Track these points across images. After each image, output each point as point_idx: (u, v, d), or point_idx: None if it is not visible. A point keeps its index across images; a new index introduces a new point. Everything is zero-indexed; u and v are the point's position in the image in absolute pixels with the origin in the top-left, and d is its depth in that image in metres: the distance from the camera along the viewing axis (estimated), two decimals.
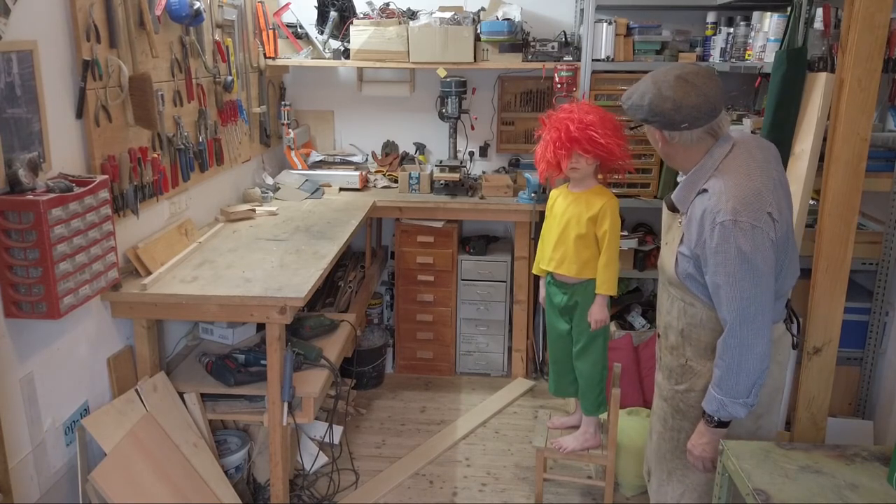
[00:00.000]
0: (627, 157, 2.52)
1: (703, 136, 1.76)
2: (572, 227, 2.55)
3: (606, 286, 2.56)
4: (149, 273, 2.36)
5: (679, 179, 1.96)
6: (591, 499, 2.83)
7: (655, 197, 3.39)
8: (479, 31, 3.50)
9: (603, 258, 2.54)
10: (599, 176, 2.62)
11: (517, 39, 3.53)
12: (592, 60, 3.28)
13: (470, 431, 3.28)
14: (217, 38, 3.01)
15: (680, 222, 1.82)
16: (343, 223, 3.09)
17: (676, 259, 1.80)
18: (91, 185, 1.96)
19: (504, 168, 4.02)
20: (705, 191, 1.72)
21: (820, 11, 2.39)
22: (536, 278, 2.88)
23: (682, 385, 1.90)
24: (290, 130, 3.75)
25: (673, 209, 1.89)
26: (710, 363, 1.81)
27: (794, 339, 1.93)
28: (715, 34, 3.31)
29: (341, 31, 3.64)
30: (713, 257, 1.67)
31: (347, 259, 3.94)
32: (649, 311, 3.56)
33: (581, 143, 2.42)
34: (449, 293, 3.73)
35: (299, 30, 3.68)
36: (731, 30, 3.15)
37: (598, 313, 2.58)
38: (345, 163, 3.92)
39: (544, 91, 3.91)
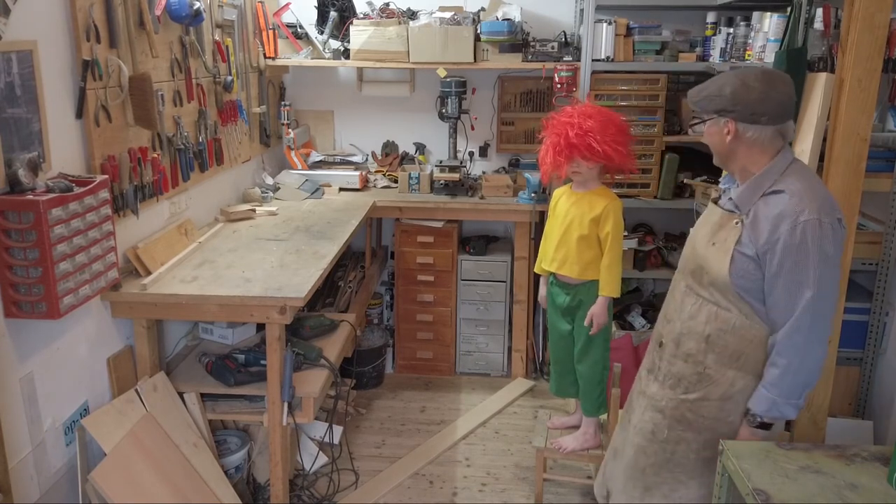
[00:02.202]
0: (629, 161, 2.50)
1: (775, 136, 1.75)
2: (575, 228, 2.55)
3: (609, 288, 2.55)
4: (149, 273, 2.36)
5: (722, 186, 1.93)
6: (591, 499, 2.82)
7: (655, 197, 3.39)
8: (479, 32, 3.50)
9: (606, 259, 2.54)
10: (606, 175, 2.62)
11: (517, 39, 3.53)
12: (592, 60, 3.28)
13: (470, 431, 3.28)
14: (217, 38, 3.01)
15: (737, 223, 1.77)
16: (343, 223, 3.09)
17: (733, 258, 1.74)
18: (91, 185, 1.96)
19: (504, 168, 4.02)
20: (779, 192, 1.70)
21: (820, 11, 2.39)
22: (537, 277, 2.88)
23: (693, 394, 1.86)
24: (290, 130, 3.75)
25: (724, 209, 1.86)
26: (731, 372, 1.80)
27: None
28: (715, 34, 3.31)
29: (341, 31, 3.64)
30: (792, 256, 1.65)
31: (347, 259, 3.94)
32: (649, 311, 3.56)
33: (580, 150, 2.42)
34: (449, 293, 3.73)
35: (299, 30, 3.68)
36: (731, 30, 3.16)
37: (599, 315, 2.58)
38: (345, 163, 3.92)
39: (544, 91, 3.91)
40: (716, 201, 1.92)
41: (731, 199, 1.83)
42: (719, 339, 1.80)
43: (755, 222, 1.73)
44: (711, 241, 1.83)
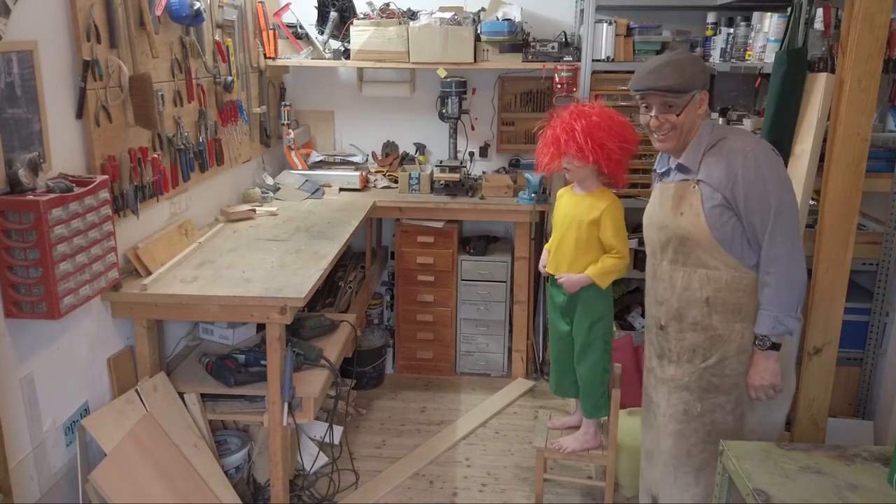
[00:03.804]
0: (618, 169, 2.48)
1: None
2: (573, 232, 2.54)
3: (596, 270, 2.49)
4: (149, 273, 2.36)
5: (660, 169, 2.08)
6: (591, 499, 2.83)
7: None
8: (479, 32, 3.50)
9: (613, 256, 2.50)
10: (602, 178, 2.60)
11: (517, 40, 3.53)
12: (592, 61, 3.28)
13: (470, 432, 3.28)
14: (217, 38, 3.01)
15: (693, 187, 1.92)
16: (343, 223, 3.09)
17: (706, 215, 1.88)
18: (91, 186, 1.96)
19: (504, 168, 4.02)
20: (718, 141, 1.90)
21: (820, 12, 2.38)
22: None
23: (711, 359, 1.96)
24: (290, 130, 3.75)
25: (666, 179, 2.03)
26: (738, 325, 1.93)
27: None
28: (715, 34, 3.31)
29: (341, 31, 3.64)
30: (754, 186, 1.82)
31: (347, 259, 3.94)
32: None
33: (566, 145, 2.43)
34: (449, 293, 3.73)
35: (299, 30, 3.68)
36: (732, 30, 3.15)
37: (572, 277, 2.53)
38: (345, 163, 3.92)
39: (544, 91, 3.91)
40: (665, 172, 2.07)
41: (677, 170, 1.98)
42: (718, 298, 1.92)
43: (709, 175, 1.89)
44: (679, 211, 1.95)
